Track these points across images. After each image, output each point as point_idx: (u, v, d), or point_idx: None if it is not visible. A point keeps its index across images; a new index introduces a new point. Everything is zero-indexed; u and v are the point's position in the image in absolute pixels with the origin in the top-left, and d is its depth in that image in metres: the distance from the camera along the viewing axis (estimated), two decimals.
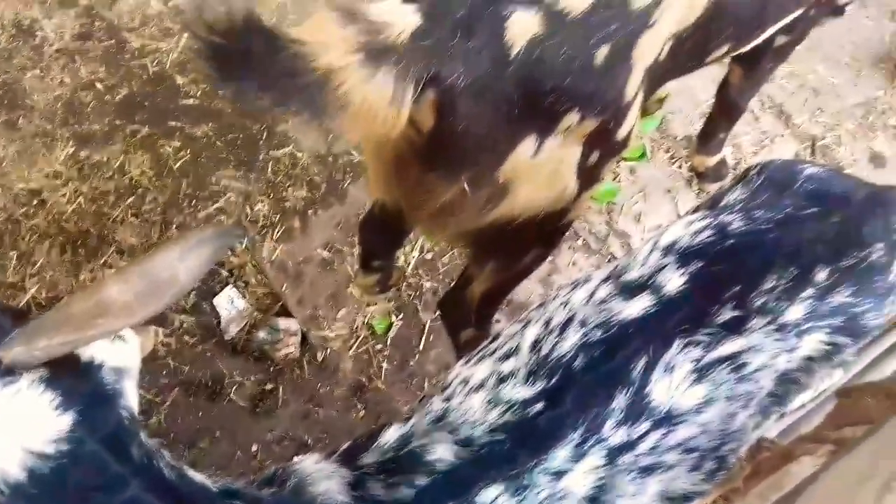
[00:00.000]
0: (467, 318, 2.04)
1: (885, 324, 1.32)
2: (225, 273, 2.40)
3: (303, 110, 1.16)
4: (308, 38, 1.16)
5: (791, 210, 1.33)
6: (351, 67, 1.16)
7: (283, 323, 2.32)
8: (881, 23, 2.99)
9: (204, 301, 2.34)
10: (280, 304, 2.38)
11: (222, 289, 2.35)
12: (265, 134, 2.64)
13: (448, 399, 1.22)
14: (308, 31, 1.17)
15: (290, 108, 1.16)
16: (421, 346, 2.36)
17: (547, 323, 1.25)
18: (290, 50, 1.13)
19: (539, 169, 1.42)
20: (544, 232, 1.65)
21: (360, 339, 2.35)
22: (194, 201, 2.52)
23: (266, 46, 1.13)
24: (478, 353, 1.31)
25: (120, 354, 0.92)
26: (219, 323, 2.33)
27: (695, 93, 2.78)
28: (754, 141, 2.75)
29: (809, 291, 1.24)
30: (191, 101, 2.68)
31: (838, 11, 2.89)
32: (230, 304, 2.34)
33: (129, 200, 2.50)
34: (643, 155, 2.70)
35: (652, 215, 2.59)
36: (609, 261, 2.49)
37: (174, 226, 2.47)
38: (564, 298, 1.29)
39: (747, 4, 1.46)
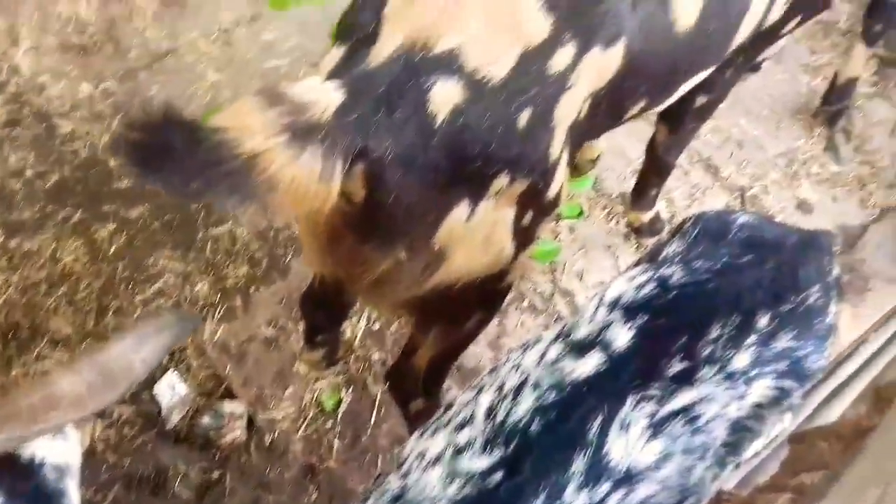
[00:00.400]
0: (416, 389, 2.01)
1: (828, 366, 1.34)
2: (166, 355, 2.33)
3: (231, 196, 1.16)
4: (230, 124, 1.16)
5: (728, 259, 1.36)
6: (276, 149, 1.17)
7: (227, 406, 2.25)
8: (796, 76, 3.15)
9: (144, 389, 2.26)
10: (224, 386, 2.31)
11: (162, 375, 2.28)
12: (203, 213, 2.61)
13: (405, 476, 1.19)
14: (230, 118, 1.18)
15: (218, 196, 1.16)
16: (373, 421, 2.31)
17: (500, 388, 1.23)
18: (213, 139, 1.14)
19: (474, 233, 1.44)
20: (485, 295, 1.65)
21: (309, 417, 2.29)
22: (131, 285, 2.46)
23: (187, 138, 1.13)
24: (432, 424, 1.28)
25: (61, 451, 0.88)
26: (160, 411, 2.24)
27: (626, 151, 2.86)
28: (686, 194, 2.83)
29: (753, 338, 1.26)
30: (124, 184, 2.64)
31: (755, 68, 3.04)
32: (171, 390, 2.26)
33: (63, 289, 2.42)
34: (581, 213, 2.75)
35: (594, 272, 2.63)
36: (556, 320, 2.51)
37: (110, 312, 2.40)
38: (516, 361, 1.28)
39: (657, 64, 1.52)
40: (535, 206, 1.50)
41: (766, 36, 1.84)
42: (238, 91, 2.84)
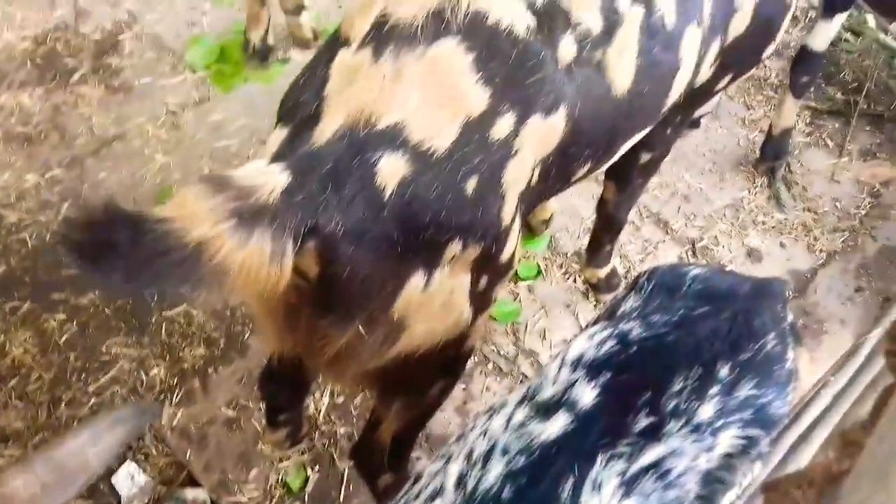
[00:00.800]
0: (383, 464, 1.97)
1: (792, 411, 1.36)
2: (123, 448, 2.25)
3: (182, 286, 1.15)
4: (176, 213, 1.16)
5: (684, 311, 1.38)
6: (224, 235, 1.17)
7: (190, 494, 2.17)
8: (733, 131, 3.26)
9: (101, 481, 2.17)
10: (185, 473, 2.23)
11: (120, 465, 2.19)
12: (156, 295, 2.56)
13: None
14: (175, 208, 1.18)
15: (169, 287, 1.15)
16: (341, 498, 2.25)
17: (469, 456, 1.22)
18: (159, 230, 1.13)
19: (432, 301, 1.44)
20: (447, 361, 1.64)
21: (276, 499, 2.23)
22: (84, 375, 2.39)
23: (132, 232, 1.13)
24: (402, 497, 1.26)
25: None
26: (119, 503, 2.15)
27: (578, 210, 2.91)
28: (639, 249, 2.88)
29: (716, 388, 1.27)
30: (74, 271, 2.59)
31: (695, 124, 3.14)
32: (130, 481, 2.17)
33: (12, 383, 2.34)
34: (538, 273, 2.77)
35: (556, 331, 2.63)
36: (521, 381, 2.50)
37: (63, 404, 2.32)
38: (483, 427, 1.27)
39: (599, 127, 1.57)
40: (490, 271, 1.51)
41: (699, 94, 1.91)
42: (187, 172, 2.84)
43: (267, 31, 3.18)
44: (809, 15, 3.62)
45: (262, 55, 3.20)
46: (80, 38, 3.19)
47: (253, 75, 3.17)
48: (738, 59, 1.87)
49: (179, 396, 2.37)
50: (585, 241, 2.73)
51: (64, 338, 2.45)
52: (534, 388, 1.31)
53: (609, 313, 1.50)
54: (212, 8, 3.30)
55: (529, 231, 2.81)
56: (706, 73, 1.80)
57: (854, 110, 3.31)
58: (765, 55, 1.98)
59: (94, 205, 1.11)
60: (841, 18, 2.75)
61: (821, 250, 2.93)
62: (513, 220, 1.48)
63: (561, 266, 2.80)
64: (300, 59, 3.21)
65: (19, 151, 2.86)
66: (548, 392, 1.27)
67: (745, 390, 1.29)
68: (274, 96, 1.54)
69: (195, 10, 3.32)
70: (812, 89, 3.17)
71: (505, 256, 1.52)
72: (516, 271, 2.71)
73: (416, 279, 1.39)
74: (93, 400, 2.33)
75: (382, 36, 1.36)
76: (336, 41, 1.44)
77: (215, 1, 3.25)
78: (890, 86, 3.41)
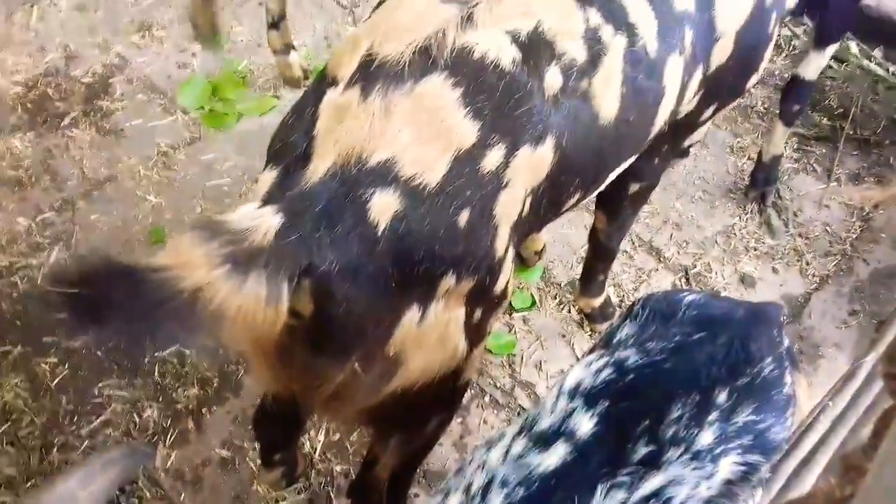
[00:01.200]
0: (381, 501, 1.95)
1: (791, 437, 1.35)
2: (115, 491, 2.22)
3: (178, 335, 1.15)
4: (170, 262, 1.16)
5: (680, 338, 1.38)
6: (219, 281, 1.17)
7: None
8: (722, 158, 3.28)
9: None
10: None
11: None
12: (153, 342, 2.54)
13: None
14: (169, 256, 1.18)
15: (165, 338, 1.15)
16: None
17: (467, 489, 1.20)
18: (154, 280, 1.13)
19: (427, 335, 1.43)
20: (443, 395, 1.63)
21: None
22: (76, 418, 2.36)
23: (127, 284, 1.13)
24: None
25: None
26: None
27: (570, 240, 2.91)
28: (633, 277, 2.88)
29: (714, 415, 1.26)
30: (66, 314, 2.57)
31: (684, 153, 3.16)
32: None
33: (4, 428, 2.31)
34: (533, 304, 2.77)
35: (552, 361, 2.62)
36: (519, 413, 2.48)
37: (55, 448, 2.29)
38: (481, 460, 1.26)
39: (587, 156, 1.58)
40: (485, 303, 1.51)
41: (685, 124, 1.93)
42: (179, 213, 2.84)
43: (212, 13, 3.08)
44: (793, 43, 3.67)
45: (209, 37, 3.12)
46: (71, 82, 3.21)
47: (246, 111, 3.19)
48: (721, 88, 1.89)
49: (173, 438, 2.34)
50: (579, 270, 2.73)
51: (56, 381, 2.42)
52: (531, 418, 1.30)
53: (605, 341, 1.50)
54: (202, 49, 3.32)
55: (523, 262, 2.81)
56: (690, 102, 1.82)
57: (841, 136, 3.34)
58: (748, 85, 2.00)
59: (88, 257, 1.11)
60: (833, 49, 2.79)
61: (813, 275, 2.94)
62: (506, 251, 1.48)
63: (555, 297, 2.80)
64: (291, 97, 3.23)
65: (11, 195, 2.85)
66: (546, 422, 1.26)
67: (743, 416, 1.28)
68: (265, 134, 1.55)
69: (185, 52, 3.34)
70: (801, 117, 3.20)
71: (499, 288, 1.52)
72: (511, 303, 2.71)
73: (412, 314, 1.39)
74: (85, 444, 2.30)
75: (370, 74, 1.37)
76: (324, 81, 1.45)
77: (203, 47, 3.26)
78: (875, 111, 3.45)
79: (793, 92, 2.88)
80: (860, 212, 3.13)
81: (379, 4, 1.60)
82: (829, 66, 3.59)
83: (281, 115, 1.52)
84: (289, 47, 3.26)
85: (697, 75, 1.76)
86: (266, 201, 1.33)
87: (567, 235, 2.92)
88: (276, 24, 3.18)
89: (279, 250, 1.24)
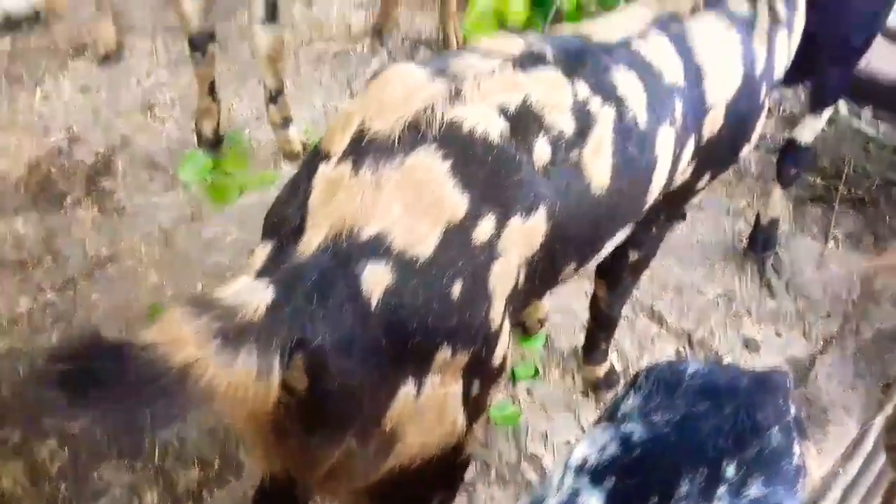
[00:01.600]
0: None
1: None
2: None
3: (169, 412, 1.14)
4: (160, 338, 1.15)
5: (685, 409, 1.36)
6: (209, 357, 1.16)
7: None
8: (719, 220, 3.30)
9: None
10: None
11: None
12: (145, 423, 2.51)
13: None
14: (159, 332, 1.17)
15: (157, 417, 1.13)
16: None
17: None
18: (143, 357, 1.12)
19: (424, 410, 1.41)
20: (444, 472, 1.60)
21: None
22: None
23: (116, 362, 1.11)
24: None
25: None
26: None
27: (572, 307, 2.91)
28: (635, 344, 2.86)
29: (723, 489, 1.24)
30: (55, 393, 2.55)
31: (681, 216, 3.19)
32: None
33: None
34: (536, 373, 2.74)
35: (559, 432, 2.58)
36: (525, 489, 2.43)
37: None
38: None
39: (581, 225, 1.59)
40: (482, 375, 1.49)
41: (681, 193, 1.94)
42: (180, 290, 2.84)
43: (218, 122, 3.25)
44: (782, 106, 3.74)
45: (215, 145, 3.27)
46: (74, 163, 3.25)
47: (248, 184, 3.22)
48: (714, 158, 1.91)
49: None
50: (581, 337, 2.71)
51: (55, 466, 2.38)
52: (538, 496, 1.27)
53: (610, 414, 1.48)
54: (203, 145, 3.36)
55: (525, 330, 2.79)
56: (684, 172, 1.85)
57: (835, 196, 3.37)
58: (741, 154, 2.03)
59: (77, 336, 1.11)
60: (829, 112, 2.84)
61: (817, 337, 2.92)
62: (502, 322, 1.48)
63: (559, 365, 2.78)
64: (291, 170, 3.27)
65: (12, 277, 2.86)
66: (552, 501, 1.23)
67: (753, 489, 1.25)
68: (266, 208, 1.56)
69: (186, 129, 3.40)
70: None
71: (496, 360, 1.51)
72: (514, 372, 2.69)
73: (407, 388, 1.37)
74: None
75: (361, 149, 1.39)
76: (317, 156, 1.47)
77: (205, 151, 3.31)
78: (868, 170, 3.50)
79: (790, 156, 2.91)
80: (859, 272, 3.13)
81: (372, 79, 1.64)
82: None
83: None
84: (288, 122, 3.32)
85: (690, 146, 1.78)
86: (260, 275, 1.33)
87: (569, 302, 2.91)
88: (274, 98, 3.24)
89: (271, 324, 1.22)
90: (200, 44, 2.96)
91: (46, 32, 3.76)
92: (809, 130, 2.85)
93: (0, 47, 3.68)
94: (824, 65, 2.51)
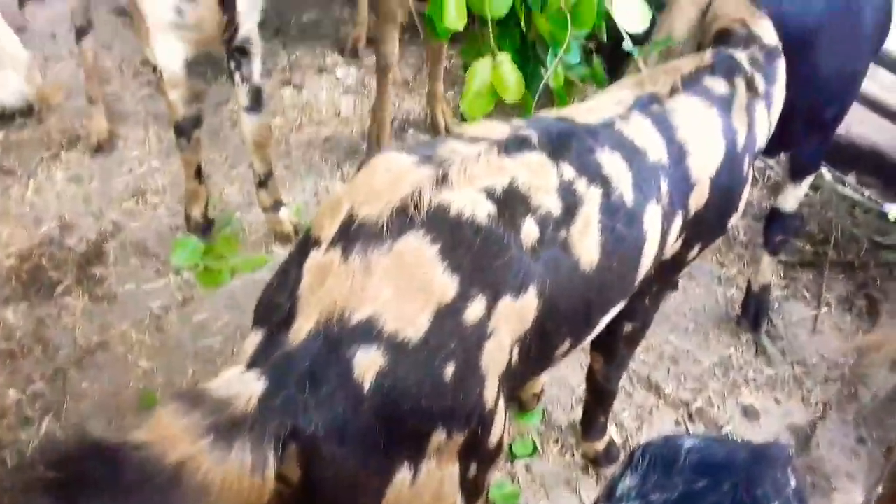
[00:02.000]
0: None
1: None
2: None
3: None
4: (152, 437, 1.16)
5: (683, 487, 1.34)
6: (203, 453, 1.16)
7: None
8: (711, 288, 3.31)
9: None
10: None
11: None
12: None
13: None
14: (151, 430, 1.18)
15: None
16: None
17: None
18: (136, 458, 1.12)
19: (421, 495, 1.40)
20: None
21: None
22: None
23: (108, 465, 1.12)
24: None
25: None
26: None
27: (568, 381, 2.88)
28: (634, 416, 2.83)
29: None
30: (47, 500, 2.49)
31: (675, 286, 3.20)
32: None
33: None
34: (534, 450, 2.70)
35: None
36: None
37: None
38: None
39: (572, 303, 1.60)
40: (479, 456, 1.48)
41: (672, 265, 1.96)
42: (171, 376, 2.82)
43: (206, 206, 3.29)
44: (767, 174, 3.79)
45: (205, 229, 3.30)
46: (65, 251, 3.26)
47: (239, 267, 3.23)
48: (703, 230, 1.93)
49: None
50: (579, 411, 2.68)
51: None
52: None
53: (607, 494, 1.45)
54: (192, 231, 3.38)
55: (521, 405, 2.76)
56: (674, 245, 1.86)
57: (825, 261, 3.39)
58: (729, 224, 2.05)
59: (67, 439, 1.11)
60: (810, 179, 2.89)
61: (816, 403, 2.90)
62: (496, 402, 1.47)
63: (557, 440, 2.74)
64: (282, 253, 3.28)
65: (1, 368, 2.83)
66: None
67: None
68: (257, 291, 1.57)
69: (178, 216, 3.42)
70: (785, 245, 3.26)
71: (492, 441, 1.49)
72: (511, 450, 2.64)
73: (403, 473, 1.36)
74: None
75: (350, 235, 1.40)
76: (307, 242, 1.48)
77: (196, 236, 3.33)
78: (856, 234, 3.52)
79: (776, 224, 2.95)
80: (854, 337, 3.12)
81: (360, 168, 1.66)
82: (805, 194, 3.69)
83: (273, 272, 1.55)
84: (278, 204, 3.35)
85: (678, 221, 1.81)
86: (251, 365, 1.34)
87: (564, 376, 2.89)
88: (264, 183, 3.28)
89: (263, 416, 1.23)
90: (186, 129, 3.01)
91: (40, 125, 3.82)
92: (792, 198, 2.89)
93: None
94: (800, 135, 2.56)
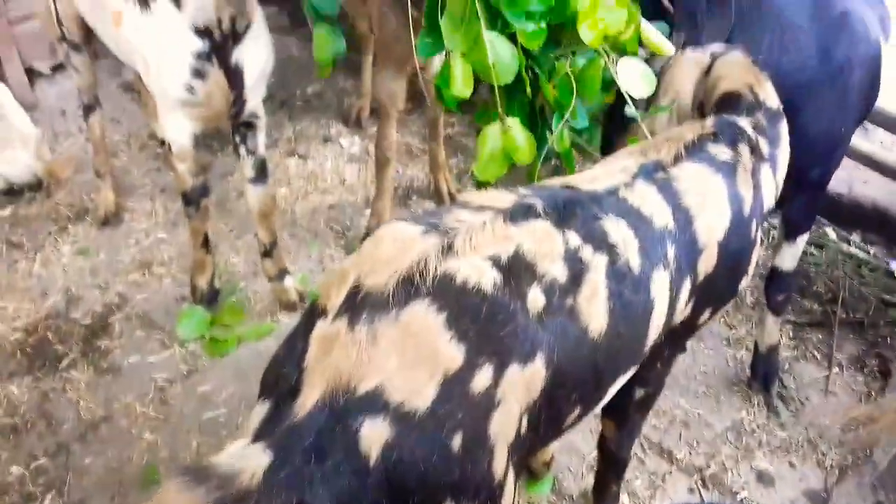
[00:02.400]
0: None
1: None
2: None
3: None
4: None
5: None
6: None
7: None
8: (720, 350, 3.28)
9: None
10: None
11: None
12: None
13: None
14: None
15: None
16: None
17: None
18: None
19: None
20: None
21: None
22: None
23: None
24: None
25: None
26: None
27: (579, 447, 2.84)
28: (647, 483, 2.77)
29: None
30: None
31: (682, 349, 3.17)
32: None
33: None
34: None
35: None
36: None
37: None
38: None
39: (581, 370, 1.58)
40: None
41: (683, 330, 1.95)
42: (175, 449, 2.78)
43: (213, 276, 3.30)
44: (772, 234, 3.80)
45: (210, 299, 3.31)
46: (71, 324, 3.26)
47: (245, 336, 3.22)
48: (712, 294, 1.92)
49: None
50: (590, 479, 2.63)
51: None
52: None
53: None
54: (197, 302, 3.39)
55: (531, 474, 2.71)
56: (683, 310, 1.86)
57: (834, 320, 3.37)
58: (739, 288, 2.04)
59: None
60: (804, 238, 2.89)
61: (832, 466, 2.84)
62: (505, 473, 1.44)
63: None
64: (288, 321, 3.28)
65: (5, 443, 2.80)
66: None
67: None
68: (263, 360, 1.56)
69: (184, 285, 3.43)
70: (790, 305, 3.24)
71: None
72: None
73: None
74: None
75: (356, 305, 1.40)
76: (314, 312, 1.48)
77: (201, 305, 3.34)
78: (863, 293, 3.51)
79: (775, 283, 2.94)
80: (867, 397, 3.08)
81: (365, 237, 1.67)
82: (811, 254, 3.69)
83: (279, 340, 1.54)
84: (283, 273, 3.36)
85: (686, 286, 1.80)
86: (257, 436, 1.33)
87: (574, 442, 2.84)
88: (269, 252, 3.30)
89: (269, 490, 1.22)
90: (194, 198, 3.05)
91: (48, 199, 3.87)
92: (789, 257, 2.89)
93: (1, 214, 3.78)
94: (791, 195, 2.57)
